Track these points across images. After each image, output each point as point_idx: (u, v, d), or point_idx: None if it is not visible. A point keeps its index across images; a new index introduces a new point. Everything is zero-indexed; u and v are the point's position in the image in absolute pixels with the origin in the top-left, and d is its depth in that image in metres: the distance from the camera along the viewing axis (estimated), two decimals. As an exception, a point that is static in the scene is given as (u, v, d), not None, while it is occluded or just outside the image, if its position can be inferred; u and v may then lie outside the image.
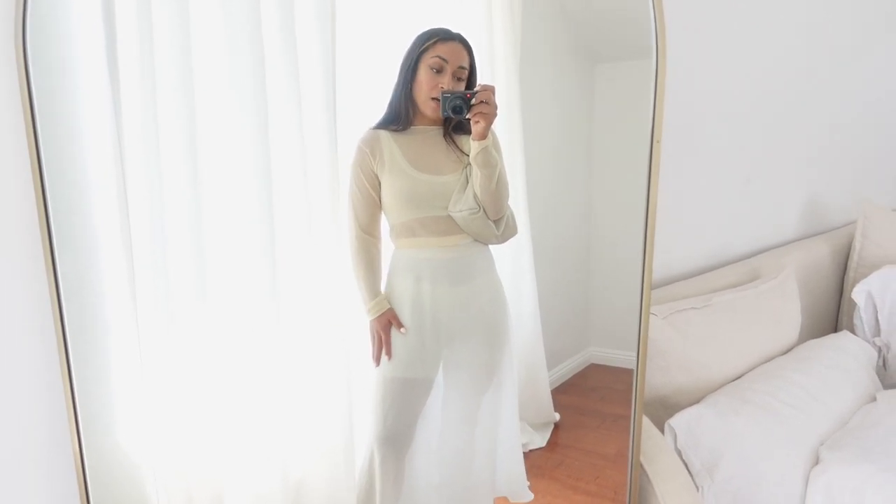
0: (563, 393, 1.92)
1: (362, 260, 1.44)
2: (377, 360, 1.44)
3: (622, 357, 1.96)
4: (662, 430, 1.54)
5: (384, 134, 1.41)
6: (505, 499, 1.64)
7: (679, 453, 1.50)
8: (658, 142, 1.25)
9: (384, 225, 1.47)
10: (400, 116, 1.39)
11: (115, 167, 1.22)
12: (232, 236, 1.34)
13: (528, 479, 1.66)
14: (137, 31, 1.19)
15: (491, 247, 1.47)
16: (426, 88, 1.35)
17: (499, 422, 1.57)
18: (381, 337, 1.42)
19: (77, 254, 1.20)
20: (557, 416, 1.86)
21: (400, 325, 1.41)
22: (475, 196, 1.36)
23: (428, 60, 1.34)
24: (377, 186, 1.42)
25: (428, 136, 1.41)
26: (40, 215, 1.13)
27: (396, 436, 1.45)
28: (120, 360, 1.28)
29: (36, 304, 1.17)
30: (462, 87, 1.37)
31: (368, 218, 1.43)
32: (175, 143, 1.25)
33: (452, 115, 1.31)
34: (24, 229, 1.15)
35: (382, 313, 1.42)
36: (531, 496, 1.63)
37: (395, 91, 1.40)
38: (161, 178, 1.25)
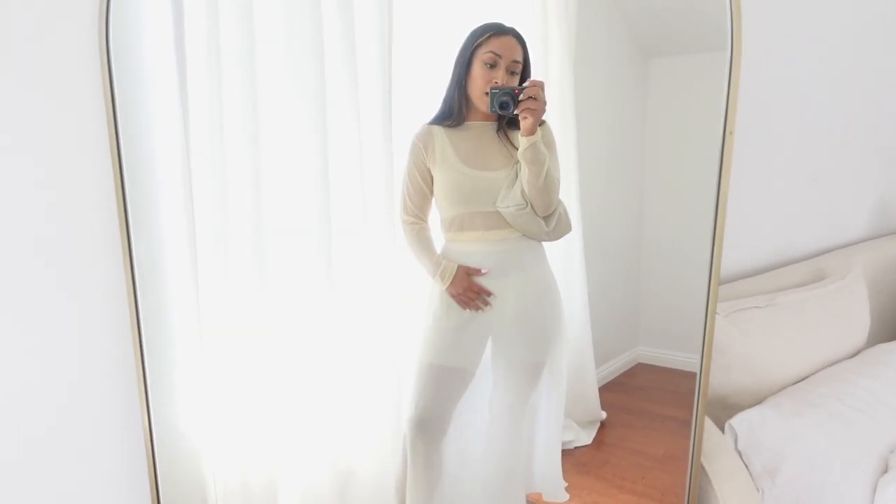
0: (610, 391, 1.89)
1: (417, 242, 1.46)
2: (483, 304, 1.41)
3: (671, 357, 1.94)
4: (722, 430, 1.50)
5: (438, 129, 1.42)
6: (539, 496, 1.63)
7: (739, 454, 1.46)
8: (731, 133, 1.21)
9: (436, 216, 1.48)
10: (453, 112, 1.40)
11: (182, 162, 1.26)
12: (290, 229, 1.37)
13: (574, 477, 1.64)
14: (206, 29, 1.23)
15: (544, 243, 1.46)
16: (480, 83, 1.35)
17: (542, 419, 1.55)
18: (471, 291, 1.40)
19: (150, 244, 1.25)
20: (604, 415, 1.84)
21: (478, 271, 1.40)
22: (522, 192, 1.35)
23: (482, 56, 1.34)
24: (429, 180, 1.43)
25: (481, 132, 1.42)
26: (119, 206, 1.19)
27: (427, 421, 1.44)
28: (181, 344, 1.33)
29: (113, 295, 1.23)
30: (516, 81, 1.37)
31: (418, 208, 1.46)
32: (238, 139, 1.29)
33: (500, 112, 1.31)
34: (103, 219, 1.21)
35: (455, 273, 1.41)
36: (566, 497, 1.61)
37: (450, 86, 1.40)
38: (224, 173, 1.29)
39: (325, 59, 1.35)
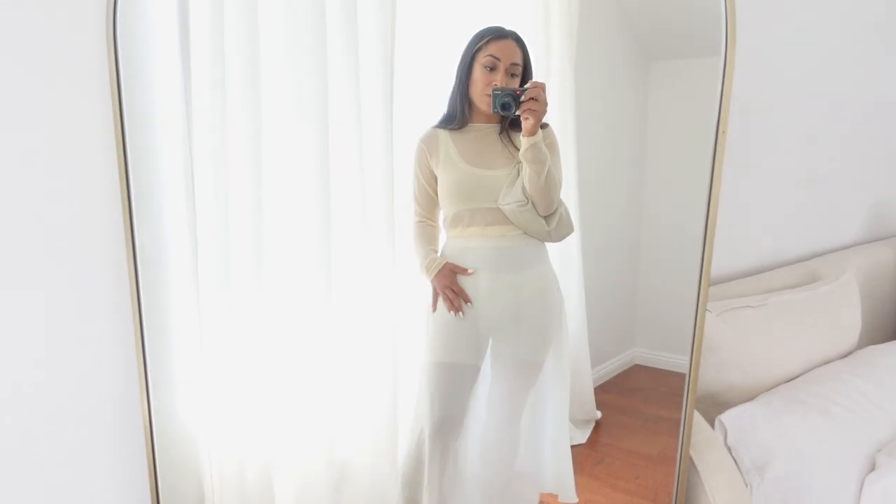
0: (606, 392, 1.92)
1: (421, 236, 1.50)
2: (457, 308, 1.44)
3: (667, 359, 1.95)
4: (713, 426, 1.52)
5: (443, 133, 1.45)
6: (553, 496, 1.64)
7: (729, 450, 1.48)
8: (724, 132, 1.23)
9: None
10: (457, 114, 1.43)
11: (185, 158, 1.28)
12: (291, 223, 1.39)
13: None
14: (209, 27, 1.26)
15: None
16: (481, 86, 1.39)
17: (549, 418, 1.56)
18: (451, 289, 1.44)
19: (153, 234, 1.28)
20: (599, 415, 1.86)
21: (465, 270, 1.44)
22: (524, 189, 1.38)
23: (481, 59, 1.38)
24: (433, 182, 1.47)
25: (484, 134, 1.45)
26: (123, 194, 1.20)
27: (447, 420, 1.47)
28: (180, 333, 1.34)
29: (116, 284, 1.25)
30: (516, 83, 1.40)
31: (426, 209, 1.50)
32: (240, 135, 1.32)
33: (502, 113, 1.34)
34: (107, 207, 1.22)
35: (442, 267, 1.45)
36: (576, 499, 1.62)
37: (453, 90, 1.44)
38: (227, 168, 1.32)
39: (328, 59, 1.37)
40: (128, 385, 1.28)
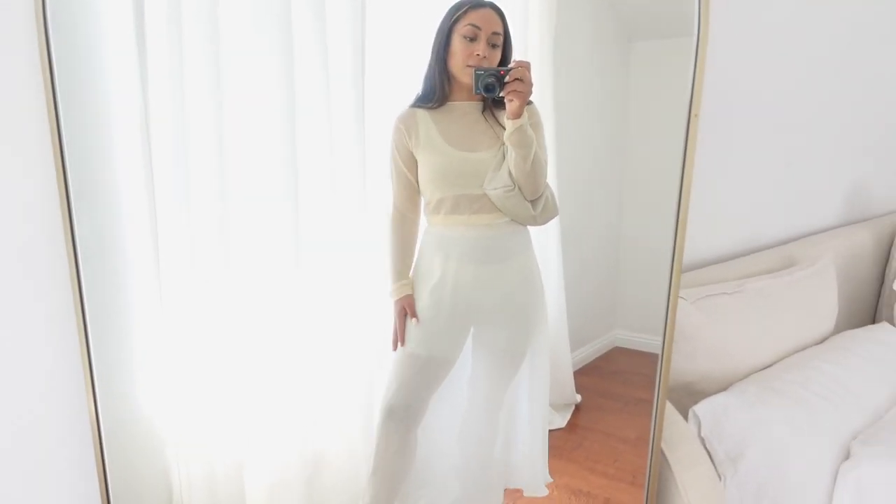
0: (586, 375, 1.90)
1: (395, 237, 1.43)
2: (394, 344, 1.43)
3: (648, 341, 1.94)
4: (686, 417, 1.51)
5: (421, 112, 1.38)
6: (518, 490, 1.62)
7: (703, 441, 1.47)
8: (696, 115, 1.20)
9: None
10: (436, 91, 1.36)
11: (142, 139, 1.21)
12: (258, 206, 1.34)
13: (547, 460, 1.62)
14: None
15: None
16: (461, 58, 1.32)
17: (524, 411, 1.53)
18: (397, 322, 1.41)
19: (97, 211, 1.19)
20: (579, 398, 1.84)
21: (413, 315, 1.40)
22: (510, 173, 1.32)
23: (461, 29, 1.31)
24: (412, 165, 1.39)
25: (466, 112, 1.38)
26: (57, 166, 1.10)
27: (402, 409, 1.42)
28: (141, 326, 1.29)
29: (54, 261, 1.16)
30: (497, 53, 1.33)
31: (403, 197, 1.42)
32: (201, 108, 1.25)
33: (485, 94, 1.28)
34: (40, 182, 1.12)
35: (400, 298, 1.41)
36: (546, 492, 1.60)
37: (430, 65, 1.37)
38: (186, 135, 1.25)
39: (294, 36, 1.31)
40: (75, 387, 1.20)
